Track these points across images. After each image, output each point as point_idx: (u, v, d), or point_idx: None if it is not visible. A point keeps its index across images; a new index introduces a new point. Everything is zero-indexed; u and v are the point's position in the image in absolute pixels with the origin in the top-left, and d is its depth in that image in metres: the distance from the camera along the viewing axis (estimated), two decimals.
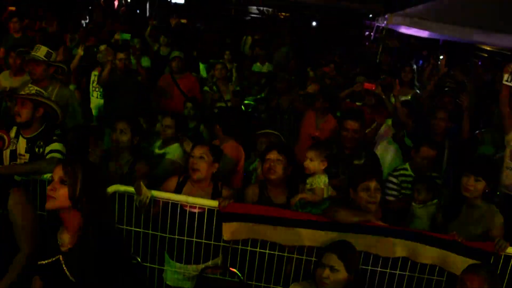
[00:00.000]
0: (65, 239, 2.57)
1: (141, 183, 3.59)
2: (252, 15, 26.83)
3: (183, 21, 14.30)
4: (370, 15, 21.39)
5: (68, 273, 2.50)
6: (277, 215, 3.67)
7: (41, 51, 4.95)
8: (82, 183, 2.46)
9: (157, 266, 3.96)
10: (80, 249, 2.50)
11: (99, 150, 4.58)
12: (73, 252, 2.52)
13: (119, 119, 4.33)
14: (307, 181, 4.02)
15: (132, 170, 4.19)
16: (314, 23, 23.24)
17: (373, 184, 3.64)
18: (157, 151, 4.93)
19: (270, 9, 24.84)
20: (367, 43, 16.39)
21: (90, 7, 17.14)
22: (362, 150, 4.85)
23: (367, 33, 20.94)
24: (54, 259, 2.55)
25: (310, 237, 3.65)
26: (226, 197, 3.70)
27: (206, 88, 6.94)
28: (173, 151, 4.83)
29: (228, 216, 3.66)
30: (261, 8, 27.63)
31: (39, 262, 2.61)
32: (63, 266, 2.52)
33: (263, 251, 3.76)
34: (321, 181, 3.98)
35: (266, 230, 3.67)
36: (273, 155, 3.98)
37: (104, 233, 2.53)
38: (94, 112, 6.97)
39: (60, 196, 2.43)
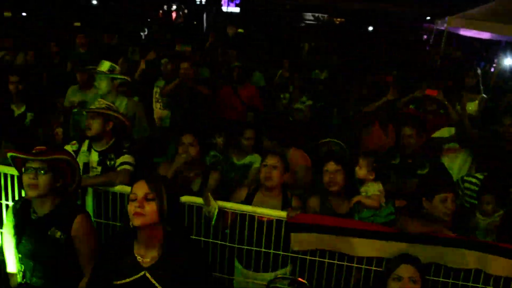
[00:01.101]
0: (146, 254, 2.57)
1: (209, 194, 3.64)
2: (307, 22, 26.87)
3: (240, 30, 14.42)
4: (428, 18, 21.03)
5: (158, 286, 2.52)
6: (344, 226, 3.65)
7: (105, 66, 5.12)
8: (166, 198, 2.50)
9: (226, 276, 3.98)
10: (168, 262, 2.51)
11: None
12: (161, 266, 2.53)
13: (185, 132, 4.33)
14: (361, 190, 3.98)
15: (205, 182, 4.21)
16: (370, 28, 23.06)
17: (450, 196, 3.60)
18: (236, 162, 4.93)
19: (325, 15, 24.84)
20: (427, 47, 16.01)
21: (148, 20, 17.61)
22: (425, 159, 4.74)
23: (425, 37, 20.58)
24: (137, 276, 2.55)
25: (378, 247, 3.61)
26: (294, 208, 3.70)
27: (282, 95, 6.92)
28: (258, 160, 4.82)
29: (297, 227, 3.66)
30: (316, 14, 27.68)
31: (115, 283, 2.58)
32: (152, 280, 2.52)
33: (332, 261, 3.73)
34: (375, 188, 3.94)
35: (334, 241, 3.65)
36: (330, 166, 3.97)
37: (190, 244, 2.58)
38: (157, 123, 7.07)
39: (148, 212, 2.46)
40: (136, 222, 2.46)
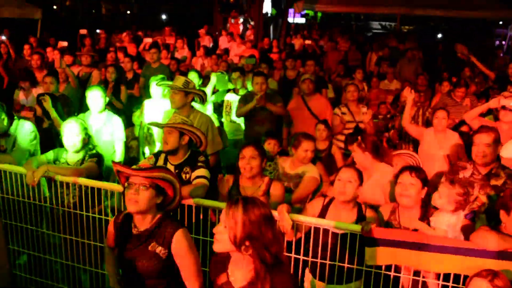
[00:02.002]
0: (238, 276, 2.57)
1: (284, 209, 3.63)
2: (374, 31, 26.55)
3: (308, 42, 14.43)
4: (501, 22, 20.31)
5: None
6: (421, 241, 3.54)
7: (179, 81, 5.25)
8: (243, 224, 2.43)
9: None
10: (259, 283, 2.45)
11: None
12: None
13: (245, 146, 4.33)
14: (431, 218, 3.70)
15: (267, 194, 4.22)
16: (439, 35, 22.54)
17: None
18: (289, 171, 4.93)
19: (393, 24, 24.45)
20: (501, 54, 15.43)
21: (216, 33, 17.91)
22: (500, 169, 4.56)
23: (497, 42, 19.89)
24: None
25: (458, 264, 3.48)
26: (369, 222, 3.65)
27: (335, 111, 6.87)
28: (312, 169, 4.84)
29: (371, 241, 3.61)
30: (383, 23, 27.30)
31: None
32: None
33: (407, 276, 3.66)
34: (443, 222, 3.64)
35: (410, 256, 3.55)
36: (405, 178, 3.86)
37: (279, 266, 2.50)
38: (228, 135, 7.17)
39: (222, 240, 2.46)
40: (214, 248, 2.50)
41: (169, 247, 3.04)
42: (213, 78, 8.00)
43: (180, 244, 3.03)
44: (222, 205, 3.57)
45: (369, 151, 4.65)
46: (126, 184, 3.10)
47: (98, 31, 17.05)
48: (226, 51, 13.96)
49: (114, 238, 3.26)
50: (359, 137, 4.74)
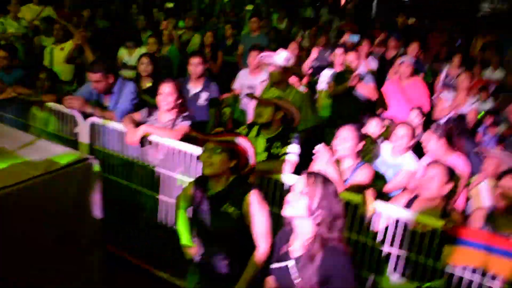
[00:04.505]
0: (296, 246, 2.71)
1: (370, 194, 3.66)
2: (483, 13, 25.16)
3: (411, 20, 13.92)
4: None
5: (295, 279, 2.64)
6: (505, 247, 3.40)
7: (281, 56, 5.30)
8: (320, 195, 2.57)
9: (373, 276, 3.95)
10: (307, 258, 2.61)
11: None
12: (301, 260, 2.64)
13: (341, 126, 4.33)
14: None
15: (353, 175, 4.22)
16: None
17: None
18: (387, 159, 4.90)
19: (505, 5, 23.05)
20: None
21: (317, 4, 17.65)
22: None
23: None
24: (284, 264, 2.72)
25: None
26: (451, 220, 3.59)
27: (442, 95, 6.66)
28: (409, 162, 4.78)
29: (453, 239, 3.54)
30: (494, 4, 25.73)
31: (272, 266, 2.82)
32: (294, 270, 2.66)
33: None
34: None
35: (493, 260, 3.44)
36: (507, 182, 3.77)
37: (330, 246, 2.61)
38: (321, 113, 7.17)
39: (299, 206, 2.58)
40: (285, 211, 2.63)
41: (241, 208, 3.16)
42: (314, 53, 7.99)
43: (251, 205, 3.14)
44: None
45: (445, 139, 4.54)
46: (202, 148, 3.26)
47: None
48: (329, 22, 13.70)
49: (189, 200, 3.44)
50: (436, 124, 4.63)
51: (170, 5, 12.46)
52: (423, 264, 3.66)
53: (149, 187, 4.67)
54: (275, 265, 2.81)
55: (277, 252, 2.85)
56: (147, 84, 6.03)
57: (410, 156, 4.82)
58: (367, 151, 4.95)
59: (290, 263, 2.70)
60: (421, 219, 3.62)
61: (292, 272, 2.67)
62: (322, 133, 6.08)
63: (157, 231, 4.67)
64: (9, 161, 3.38)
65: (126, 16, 11.83)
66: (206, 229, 3.29)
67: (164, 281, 4.71)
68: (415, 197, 3.93)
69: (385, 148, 4.97)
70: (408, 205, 3.90)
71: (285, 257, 2.75)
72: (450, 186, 3.81)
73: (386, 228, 3.73)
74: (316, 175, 2.63)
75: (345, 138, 4.18)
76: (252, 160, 3.31)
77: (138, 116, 4.72)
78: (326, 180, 2.62)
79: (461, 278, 3.55)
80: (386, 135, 5.25)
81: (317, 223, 2.58)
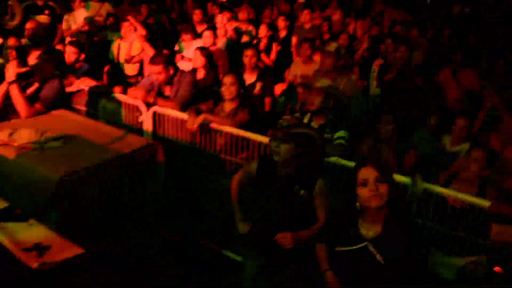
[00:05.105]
0: (370, 228, 2.90)
1: (418, 176, 3.85)
2: None
3: (467, 9, 13.66)
4: None
5: (378, 258, 2.82)
6: None
7: (332, 46, 5.53)
8: (391, 179, 2.85)
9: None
10: (388, 238, 2.82)
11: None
12: (381, 240, 2.84)
13: (384, 113, 4.61)
14: None
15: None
16: None
17: None
18: (449, 148, 5.04)
19: None
20: None
21: None
22: None
23: None
24: (359, 246, 2.90)
25: None
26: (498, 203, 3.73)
27: None
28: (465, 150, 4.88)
29: (496, 217, 3.67)
30: None
31: (339, 249, 2.98)
32: (373, 251, 2.85)
33: None
34: None
35: None
36: None
37: (409, 225, 2.88)
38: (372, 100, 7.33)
39: (382, 194, 2.80)
40: (374, 203, 2.81)
41: (311, 191, 3.41)
42: (366, 43, 8.10)
43: (321, 190, 3.42)
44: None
45: None
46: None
47: None
48: (381, 13, 13.67)
49: (251, 178, 3.71)
50: None
51: None
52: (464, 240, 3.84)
53: (210, 172, 4.97)
54: (345, 248, 2.96)
55: (342, 235, 3.01)
56: (201, 74, 6.35)
57: (467, 144, 4.95)
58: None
59: (367, 243, 2.88)
60: (462, 197, 3.77)
61: (371, 252, 2.85)
62: (373, 120, 6.24)
63: (217, 213, 4.98)
64: (83, 146, 3.75)
65: (182, 10, 12.19)
66: (271, 208, 3.54)
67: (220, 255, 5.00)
68: (454, 176, 4.09)
69: (446, 138, 5.14)
70: (446, 182, 4.06)
71: (357, 239, 2.92)
72: (487, 171, 3.96)
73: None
74: (381, 160, 2.93)
75: (387, 121, 4.52)
76: (319, 148, 3.58)
77: (204, 106, 5.04)
78: (386, 163, 2.85)
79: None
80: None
81: (391, 204, 2.82)
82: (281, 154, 3.42)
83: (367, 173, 2.81)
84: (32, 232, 2.35)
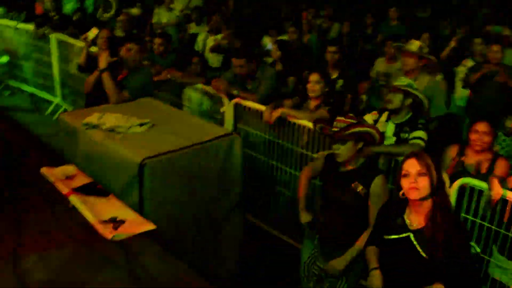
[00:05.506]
0: (414, 220, 2.94)
1: (496, 180, 3.76)
2: None
3: None
4: None
5: (419, 249, 2.87)
6: None
7: (415, 45, 5.44)
8: (436, 173, 2.84)
9: (487, 258, 4.03)
10: (431, 230, 2.83)
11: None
12: (424, 232, 2.87)
13: (480, 121, 4.46)
14: None
15: (492, 167, 4.32)
16: None
17: None
18: None
19: None
20: None
21: None
22: None
23: None
24: (403, 235, 2.95)
25: None
26: None
27: None
28: None
29: None
30: None
31: (386, 237, 3.04)
32: (414, 242, 2.89)
33: None
34: None
35: None
36: None
37: (450, 216, 2.87)
38: (458, 102, 7.14)
39: (422, 187, 2.82)
40: (412, 195, 2.85)
41: (368, 187, 3.44)
42: (453, 42, 7.87)
43: (378, 187, 3.43)
44: None
45: None
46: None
47: None
48: (473, 11, 13.17)
49: (318, 171, 3.81)
50: None
51: None
52: None
53: (286, 163, 5.09)
54: (390, 236, 3.02)
55: (389, 223, 3.07)
56: (277, 68, 6.45)
57: None
58: (505, 144, 4.99)
59: (410, 234, 2.93)
60: None
61: (413, 243, 2.90)
62: (457, 122, 6.11)
63: (290, 204, 5.08)
64: (165, 133, 3.94)
65: (270, 5, 12.35)
66: (332, 201, 3.63)
67: (287, 244, 5.16)
68: None
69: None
70: None
71: (402, 229, 2.97)
72: None
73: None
74: (425, 154, 2.90)
75: (484, 133, 4.37)
76: (376, 140, 3.62)
77: (288, 101, 5.14)
78: (433, 157, 2.87)
79: None
80: None
81: (437, 198, 2.83)
82: (343, 155, 3.50)
83: (410, 165, 2.85)
84: (110, 206, 2.53)
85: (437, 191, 2.84)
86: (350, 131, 3.47)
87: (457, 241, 2.81)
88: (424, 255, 2.85)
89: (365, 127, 3.59)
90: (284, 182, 5.20)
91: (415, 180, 2.82)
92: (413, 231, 2.93)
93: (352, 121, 3.50)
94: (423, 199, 2.86)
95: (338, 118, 3.56)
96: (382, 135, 3.65)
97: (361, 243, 3.45)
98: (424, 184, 2.81)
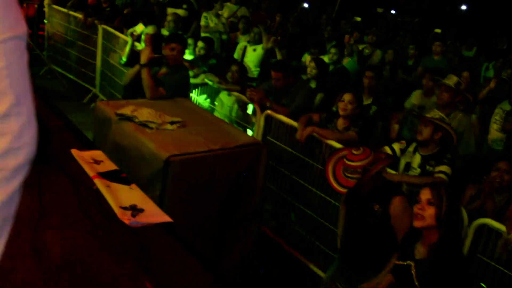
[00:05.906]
0: (420, 249, 2.96)
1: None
2: None
3: None
4: None
5: (415, 281, 2.88)
6: None
7: (452, 80, 5.45)
8: (446, 206, 2.83)
9: None
10: (429, 262, 2.85)
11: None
12: (423, 263, 2.89)
13: (501, 160, 4.47)
14: None
15: (506, 208, 4.29)
16: None
17: None
18: None
19: None
20: None
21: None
22: None
23: None
24: (405, 263, 2.98)
25: None
26: None
27: None
28: None
29: None
30: None
31: (395, 262, 3.08)
32: (412, 272, 2.91)
33: None
34: None
35: None
36: None
37: (453, 253, 2.85)
38: (493, 145, 7.03)
39: (427, 216, 2.84)
40: (416, 223, 2.89)
41: (386, 207, 3.44)
42: (493, 83, 7.80)
43: (397, 208, 3.41)
44: None
45: None
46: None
47: None
48: None
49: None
50: None
51: (358, 19, 12.84)
52: None
53: (312, 183, 5.11)
54: (398, 262, 3.06)
55: (403, 249, 3.11)
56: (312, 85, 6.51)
57: None
58: None
59: (412, 263, 2.94)
60: None
61: (411, 273, 2.92)
62: (486, 165, 6.04)
63: (312, 224, 5.11)
64: (194, 134, 4.03)
65: (315, 25, 12.45)
66: (353, 222, 3.67)
67: (305, 268, 5.13)
68: None
69: None
70: None
71: (408, 256, 3.00)
72: None
73: None
74: (441, 185, 2.92)
75: (505, 171, 4.36)
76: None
77: (316, 116, 5.18)
78: (451, 190, 2.89)
79: None
80: None
81: (444, 231, 2.83)
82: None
83: (423, 193, 2.90)
84: (131, 195, 2.61)
85: (447, 225, 2.83)
86: (366, 161, 3.47)
87: (454, 280, 2.81)
88: (417, 286, 2.86)
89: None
90: (305, 200, 5.22)
91: (422, 207, 2.85)
92: (416, 261, 2.94)
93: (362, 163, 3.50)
94: (426, 228, 2.87)
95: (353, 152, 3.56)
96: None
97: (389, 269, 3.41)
98: (430, 213, 2.83)
